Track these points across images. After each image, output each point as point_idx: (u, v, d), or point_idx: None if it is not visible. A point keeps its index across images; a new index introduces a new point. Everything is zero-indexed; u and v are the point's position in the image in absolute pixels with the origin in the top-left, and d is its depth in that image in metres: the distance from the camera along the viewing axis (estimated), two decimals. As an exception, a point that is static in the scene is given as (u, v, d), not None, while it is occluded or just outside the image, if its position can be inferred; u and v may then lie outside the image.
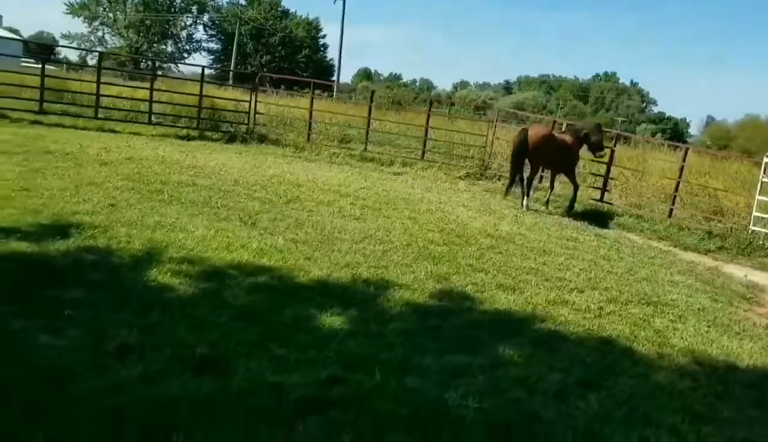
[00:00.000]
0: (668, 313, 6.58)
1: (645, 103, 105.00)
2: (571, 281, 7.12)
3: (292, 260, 6.24)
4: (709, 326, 6.37)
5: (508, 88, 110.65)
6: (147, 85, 16.43)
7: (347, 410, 3.55)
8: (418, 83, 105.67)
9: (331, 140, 16.39)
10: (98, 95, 14.85)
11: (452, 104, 52.21)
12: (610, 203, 13.35)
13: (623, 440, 3.77)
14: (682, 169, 12.65)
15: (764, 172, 11.17)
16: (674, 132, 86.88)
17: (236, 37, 61.57)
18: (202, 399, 3.41)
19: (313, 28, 73.19)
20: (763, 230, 11.37)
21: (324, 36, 74.78)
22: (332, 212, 8.64)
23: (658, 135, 76.42)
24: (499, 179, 14.17)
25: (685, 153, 12.53)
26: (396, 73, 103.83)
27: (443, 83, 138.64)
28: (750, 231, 11.39)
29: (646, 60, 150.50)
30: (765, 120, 59.14)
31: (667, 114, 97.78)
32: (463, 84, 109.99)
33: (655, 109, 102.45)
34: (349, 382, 3.89)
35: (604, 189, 13.38)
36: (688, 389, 4.68)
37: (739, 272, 9.66)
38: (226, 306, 4.80)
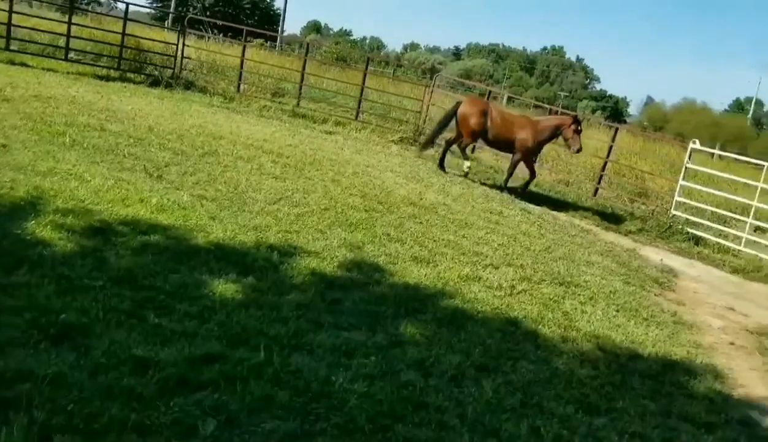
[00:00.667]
0: (579, 294, 6.53)
1: (588, 80, 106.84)
2: (487, 257, 6.98)
3: (194, 218, 5.83)
4: (617, 310, 6.36)
5: (457, 53, 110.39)
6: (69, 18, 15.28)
7: (218, 393, 3.26)
8: (368, 41, 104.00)
9: (263, 93, 15.75)
10: (9, 25, 13.66)
11: (399, 66, 51.56)
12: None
13: (512, 432, 3.63)
14: (610, 148, 12.72)
15: (689, 158, 11.33)
16: (614, 110, 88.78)
17: (178, -25, 58.64)
18: (51, 374, 3.04)
19: (260, -28, 70.42)
20: (684, 215, 11.58)
21: (272, -18, 72.16)
22: (250, 169, 8.20)
23: (598, 113, 77.95)
24: (432, 146, 13.96)
25: (615, 133, 12.59)
26: (347, 29, 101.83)
27: (394, 44, 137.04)
28: (671, 215, 11.58)
29: (592, 36, 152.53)
30: (701, 105, 60.89)
31: (609, 92, 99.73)
32: (414, 46, 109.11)
33: (598, 87, 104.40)
34: (228, 360, 3.59)
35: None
36: (587, 378, 4.59)
37: (655, 255, 9.81)
38: (106, 267, 4.39)
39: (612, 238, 10.30)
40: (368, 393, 3.64)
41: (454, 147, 12.21)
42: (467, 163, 11.89)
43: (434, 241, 7.07)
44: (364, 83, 15.31)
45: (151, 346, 3.53)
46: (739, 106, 78.21)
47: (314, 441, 3.11)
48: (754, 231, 11.88)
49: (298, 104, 15.10)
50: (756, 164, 10.87)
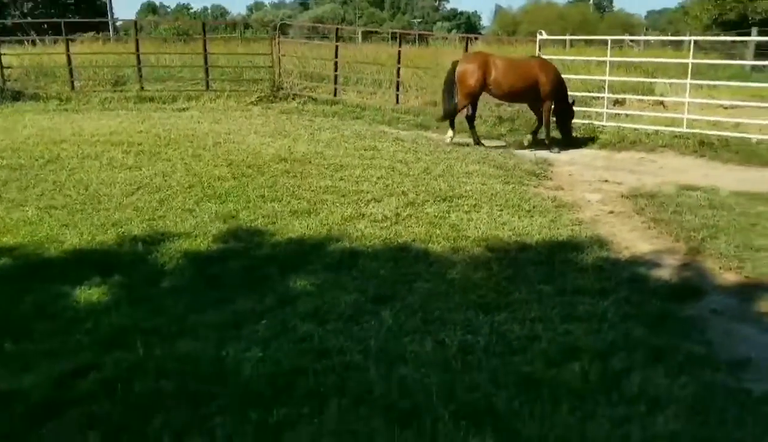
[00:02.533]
0: (463, 205, 6.56)
1: (438, 2, 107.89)
2: (368, 192, 6.86)
3: (43, 231, 5.31)
4: (501, 210, 6.44)
5: (304, 3, 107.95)
6: None
7: (96, 403, 2.96)
8: (209, 11, 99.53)
9: (102, 85, 14.65)
10: None
11: (247, 27, 49.74)
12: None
13: (417, 351, 3.56)
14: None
15: (540, 50, 11.61)
16: (468, 26, 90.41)
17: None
18: None
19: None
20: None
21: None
22: (99, 166, 7.59)
23: (454, 31, 79.16)
24: (293, 99, 13.58)
25: (466, 43, 12.69)
26: (184, 3, 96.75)
27: (238, 8, 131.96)
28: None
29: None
30: (545, 2, 62.90)
31: (460, 9, 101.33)
32: (258, 6, 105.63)
33: (448, 6, 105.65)
34: (103, 366, 3.28)
35: (397, 91, 13.29)
36: (483, 280, 4.61)
37: (528, 151, 10.05)
38: (-56, 308, 3.89)
39: (486, 144, 10.43)
40: (264, 358, 3.45)
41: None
42: (450, 133, 10.36)
43: (312, 191, 6.86)
44: (205, 51, 14.52)
45: (10, 376, 3.15)
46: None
47: (213, 422, 2.89)
48: (613, 105, 12.48)
49: (142, 88, 14.18)
50: (602, 41, 11.28)
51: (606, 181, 8.14)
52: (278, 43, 14.41)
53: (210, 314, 4.00)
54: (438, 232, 5.65)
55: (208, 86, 14.24)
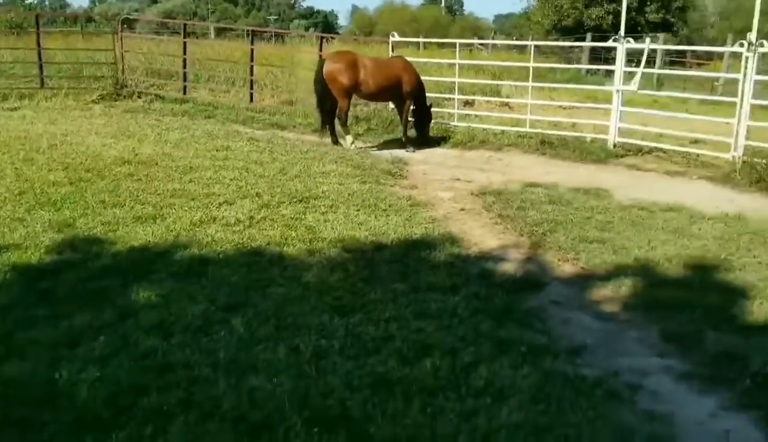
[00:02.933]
0: (320, 205, 6.51)
1: (294, 0, 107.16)
2: (220, 195, 6.62)
3: None
4: (358, 210, 6.46)
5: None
6: None
7: None
8: (47, 3, 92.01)
9: None
10: None
11: (90, 20, 46.59)
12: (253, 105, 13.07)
13: (270, 359, 3.45)
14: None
15: (393, 51, 11.84)
16: (325, 25, 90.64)
17: None
18: None
19: None
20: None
21: None
22: None
23: (311, 29, 79.02)
24: (139, 97, 12.85)
25: (320, 42, 12.65)
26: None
27: (80, 1, 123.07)
28: (391, 108, 12.07)
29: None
30: (399, 4, 64.50)
31: (316, 8, 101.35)
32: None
33: (305, 4, 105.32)
34: None
35: (251, 89, 12.99)
36: (338, 282, 4.58)
37: (384, 150, 10.21)
38: None
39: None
40: (102, 377, 3.19)
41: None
42: (350, 139, 10.08)
43: (158, 194, 6.49)
44: (39, 46, 13.34)
45: None
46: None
47: (41, 455, 2.62)
48: (464, 105, 12.99)
49: (-36, 88, 12.81)
50: (452, 43, 11.72)
51: (458, 179, 8.44)
52: (121, 39, 13.53)
53: (41, 332, 3.64)
54: (293, 234, 5.55)
55: (43, 84, 13.07)
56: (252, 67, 12.97)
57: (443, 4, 75.07)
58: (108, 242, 5.16)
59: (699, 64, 22.80)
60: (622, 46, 9.75)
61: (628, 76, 10.12)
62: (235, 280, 4.51)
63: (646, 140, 10.17)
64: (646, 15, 33.70)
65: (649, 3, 33.64)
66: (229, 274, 4.62)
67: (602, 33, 30.80)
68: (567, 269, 5.23)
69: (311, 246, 5.31)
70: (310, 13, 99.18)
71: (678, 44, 27.43)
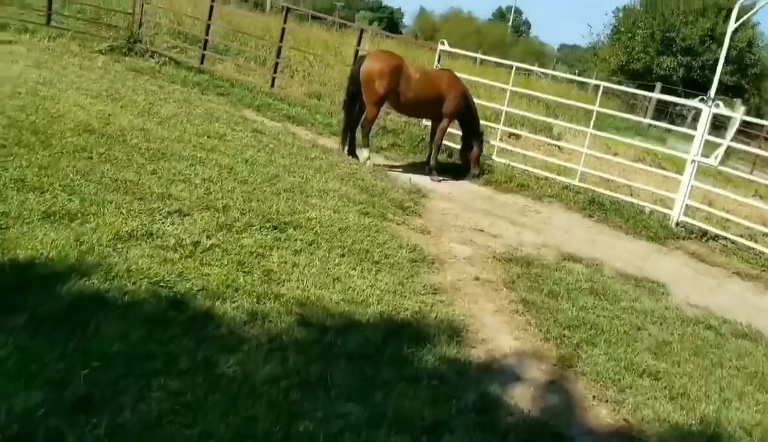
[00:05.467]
0: (297, 239, 5.05)
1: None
2: (178, 199, 5.19)
3: None
4: (343, 255, 5.00)
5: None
6: None
7: None
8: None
9: None
10: None
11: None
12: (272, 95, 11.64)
13: None
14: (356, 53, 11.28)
15: (438, 61, 10.31)
16: (390, 21, 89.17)
17: None
18: None
19: None
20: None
21: None
22: None
23: (375, 23, 77.59)
24: (152, 56, 11.48)
25: (360, 35, 11.12)
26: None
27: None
28: (424, 126, 10.60)
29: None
30: (467, 14, 62.71)
31: (384, 2, 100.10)
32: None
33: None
34: None
35: (274, 73, 11.55)
36: (267, 384, 3.11)
37: (404, 173, 8.71)
38: None
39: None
40: None
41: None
42: (367, 153, 8.58)
43: (100, 183, 5.08)
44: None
45: None
46: (501, 15, 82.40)
47: None
48: (508, 137, 11.42)
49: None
50: (509, 66, 10.16)
51: (482, 230, 6.92)
52: (143, -14, 12.14)
53: None
54: (242, 281, 4.09)
55: (49, 20, 11.77)
56: (280, 48, 11.52)
57: (510, 22, 73.17)
58: (-13, 244, 3.74)
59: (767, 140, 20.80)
60: (710, 109, 8.08)
61: (708, 146, 8.46)
62: (116, 349, 3.06)
63: (711, 223, 8.52)
64: (721, 76, 31.55)
65: (725, 63, 31.48)
66: (117, 335, 3.17)
67: (671, 85, 28.93)
68: (604, 415, 3.68)
69: (258, 307, 3.84)
70: (378, 6, 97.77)
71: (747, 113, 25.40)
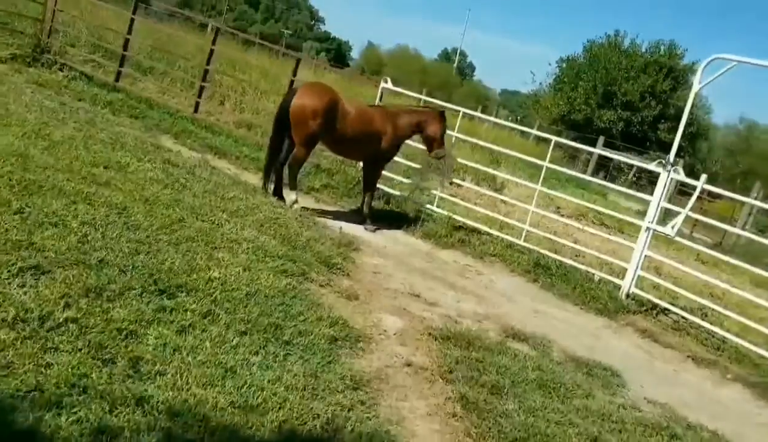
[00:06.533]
0: (189, 309, 4.06)
1: (314, 21, 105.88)
2: (41, 250, 4.12)
3: None
4: (244, 334, 4.02)
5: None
6: None
7: None
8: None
9: None
10: None
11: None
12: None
13: None
14: (291, 83, 10.40)
15: (380, 99, 9.51)
16: (338, 53, 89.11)
17: None
18: None
19: None
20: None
21: None
22: None
23: (323, 54, 77.11)
24: (61, 69, 10.26)
25: (296, 65, 10.22)
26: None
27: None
28: (359, 168, 9.74)
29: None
30: (414, 52, 62.97)
31: (333, 34, 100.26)
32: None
33: (323, 28, 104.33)
34: None
35: (199, 98, 10.49)
36: None
37: (335, 220, 7.77)
38: None
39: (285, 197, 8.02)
40: None
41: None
42: (293, 197, 7.60)
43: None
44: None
45: None
46: (446, 56, 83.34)
47: None
48: (449, 184, 10.68)
49: None
50: (455, 110, 9.48)
51: (417, 296, 6.05)
52: (59, -7, 10.92)
53: None
54: (96, 376, 3.06)
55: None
56: (206, 70, 10.47)
57: (456, 64, 74.13)
58: None
59: (710, 202, 20.93)
60: (667, 174, 7.50)
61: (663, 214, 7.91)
62: None
63: (660, 293, 7.95)
64: (659, 132, 32.26)
65: (663, 120, 32.24)
66: None
67: (610, 138, 29.28)
68: None
69: (108, 420, 2.81)
70: (326, 38, 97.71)
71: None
